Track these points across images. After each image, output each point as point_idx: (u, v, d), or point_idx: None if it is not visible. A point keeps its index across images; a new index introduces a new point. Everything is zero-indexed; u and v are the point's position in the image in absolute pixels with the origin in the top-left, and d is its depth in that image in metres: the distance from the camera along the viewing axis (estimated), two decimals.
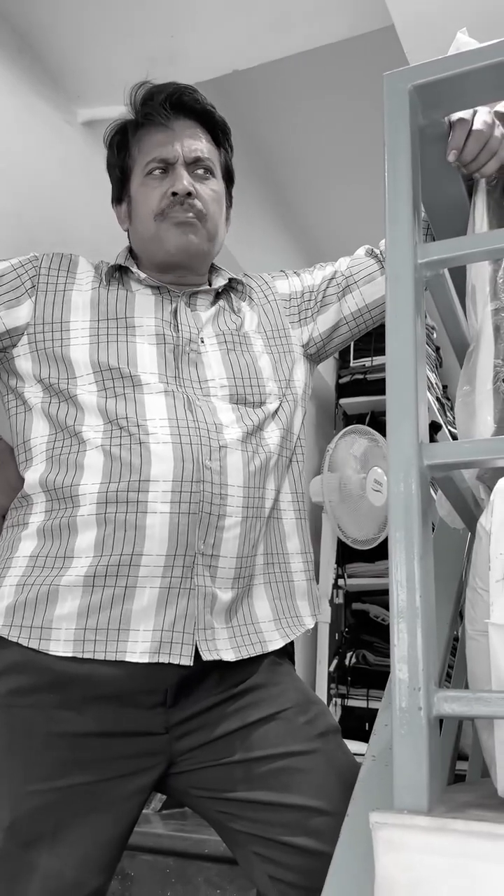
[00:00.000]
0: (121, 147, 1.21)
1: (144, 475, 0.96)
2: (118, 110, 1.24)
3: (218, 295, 1.19)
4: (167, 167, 1.15)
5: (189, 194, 1.12)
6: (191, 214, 1.13)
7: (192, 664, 0.93)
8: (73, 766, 0.92)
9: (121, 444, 0.99)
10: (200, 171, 1.16)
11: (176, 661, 0.93)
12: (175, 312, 1.12)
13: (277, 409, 1.11)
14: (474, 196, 1.06)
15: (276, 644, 1.03)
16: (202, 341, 1.11)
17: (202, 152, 1.17)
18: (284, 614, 1.06)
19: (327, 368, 3.41)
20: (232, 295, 1.21)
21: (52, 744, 0.92)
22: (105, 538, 0.95)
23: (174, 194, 1.12)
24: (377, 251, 1.26)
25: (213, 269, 1.24)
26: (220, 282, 1.20)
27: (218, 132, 1.21)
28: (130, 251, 1.22)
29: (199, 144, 1.17)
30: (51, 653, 0.92)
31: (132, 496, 0.95)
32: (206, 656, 0.94)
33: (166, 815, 1.92)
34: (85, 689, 0.93)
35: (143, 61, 1.69)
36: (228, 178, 1.24)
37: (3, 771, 0.91)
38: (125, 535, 0.94)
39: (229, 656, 0.97)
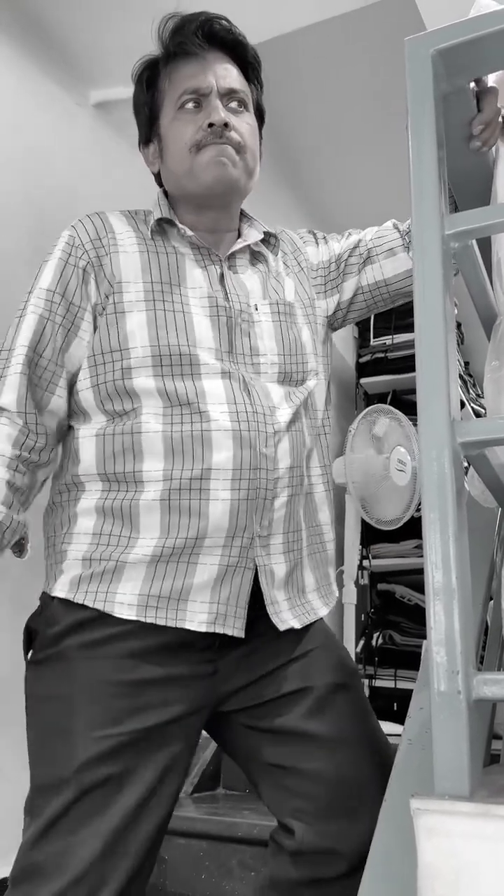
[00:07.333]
0: (150, 83, 1.14)
1: (206, 464, 0.99)
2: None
3: (253, 254, 1.16)
4: (200, 99, 1.09)
5: (226, 125, 1.07)
6: (228, 147, 1.08)
7: (244, 636, 0.99)
8: (137, 712, 0.95)
9: (182, 431, 1.00)
10: (234, 104, 1.11)
11: (230, 633, 0.98)
12: (222, 279, 1.09)
13: (315, 386, 1.13)
14: (496, 163, 1.02)
15: (322, 612, 1.10)
16: (256, 309, 1.09)
17: (236, 84, 1.12)
18: (322, 583, 1.11)
19: (347, 348, 3.38)
20: (268, 254, 1.17)
21: (116, 692, 0.95)
22: (171, 523, 0.98)
23: (210, 126, 1.07)
24: (401, 225, 1.22)
25: (242, 215, 1.19)
26: (254, 235, 1.16)
27: (249, 67, 1.15)
28: (165, 195, 1.16)
29: (233, 76, 1.12)
30: (115, 614, 0.97)
31: (195, 483, 0.98)
32: (281, 626, 1.01)
33: (198, 798, 1.93)
34: (147, 641, 0.97)
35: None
36: (260, 117, 1.18)
37: (71, 719, 0.94)
38: (189, 521, 0.98)
39: (296, 624, 1.03)
